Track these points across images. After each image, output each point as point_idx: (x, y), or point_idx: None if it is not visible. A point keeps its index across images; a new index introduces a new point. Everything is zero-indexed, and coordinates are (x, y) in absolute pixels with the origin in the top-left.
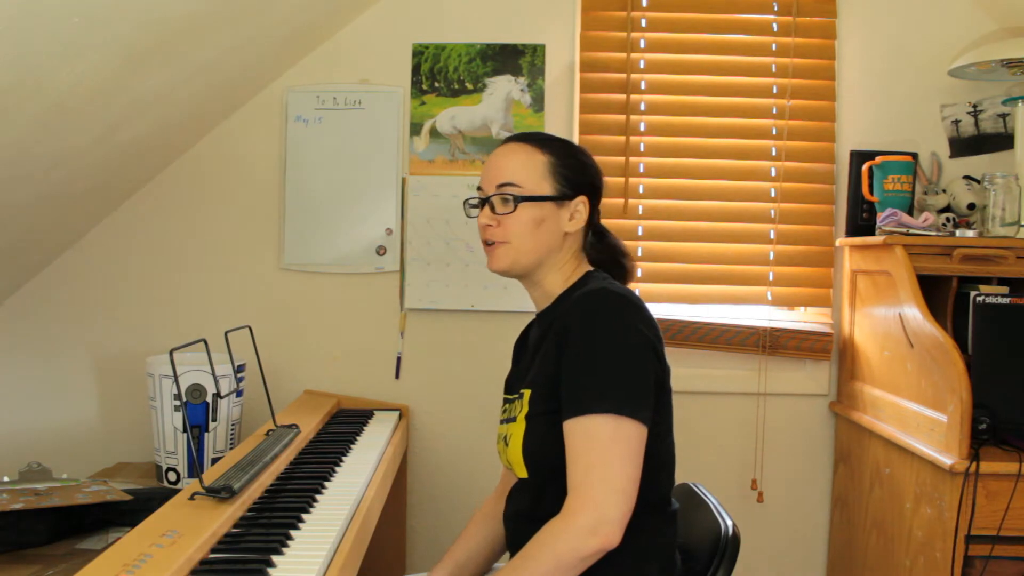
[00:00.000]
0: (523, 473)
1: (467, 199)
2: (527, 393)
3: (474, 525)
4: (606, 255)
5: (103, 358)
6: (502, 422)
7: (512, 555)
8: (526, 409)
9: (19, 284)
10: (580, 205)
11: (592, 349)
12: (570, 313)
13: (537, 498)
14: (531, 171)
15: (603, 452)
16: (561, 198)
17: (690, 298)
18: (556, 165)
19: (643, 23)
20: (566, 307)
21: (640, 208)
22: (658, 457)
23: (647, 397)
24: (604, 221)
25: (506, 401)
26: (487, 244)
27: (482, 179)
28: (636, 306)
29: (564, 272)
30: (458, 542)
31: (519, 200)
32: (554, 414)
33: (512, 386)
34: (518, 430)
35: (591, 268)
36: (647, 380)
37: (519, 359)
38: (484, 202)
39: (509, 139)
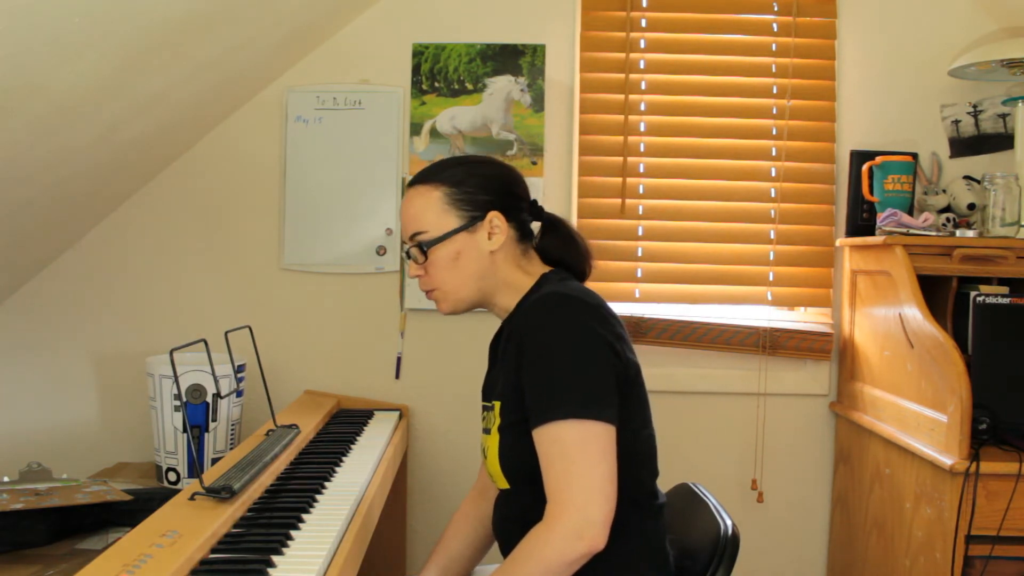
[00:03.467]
0: (504, 485)
1: (404, 250)
2: (497, 405)
3: (453, 529)
4: (561, 250)
5: (103, 358)
6: (482, 432)
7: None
8: (498, 421)
9: (19, 284)
10: (495, 220)
11: (546, 355)
12: (524, 320)
13: (524, 507)
14: (430, 212)
15: (575, 457)
16: (470, 224)
17: (690, 298)
18: (452, 195)
19: (643, 23)
20: (521, 314)
21: (640, 208)
22: (636, 453)
23: (609, 396)
24: (604, 221)
25: (484, 409)
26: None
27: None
28: (589, 305)
29: (514, 286)
30: (439, 547)
31: (426, 246)
32: (524, 423)
33: (486, 393)
34: (493, 442)
35: (547, 270)
36: (606, 379)
37: (493, 362)
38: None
39: (410, 183)
